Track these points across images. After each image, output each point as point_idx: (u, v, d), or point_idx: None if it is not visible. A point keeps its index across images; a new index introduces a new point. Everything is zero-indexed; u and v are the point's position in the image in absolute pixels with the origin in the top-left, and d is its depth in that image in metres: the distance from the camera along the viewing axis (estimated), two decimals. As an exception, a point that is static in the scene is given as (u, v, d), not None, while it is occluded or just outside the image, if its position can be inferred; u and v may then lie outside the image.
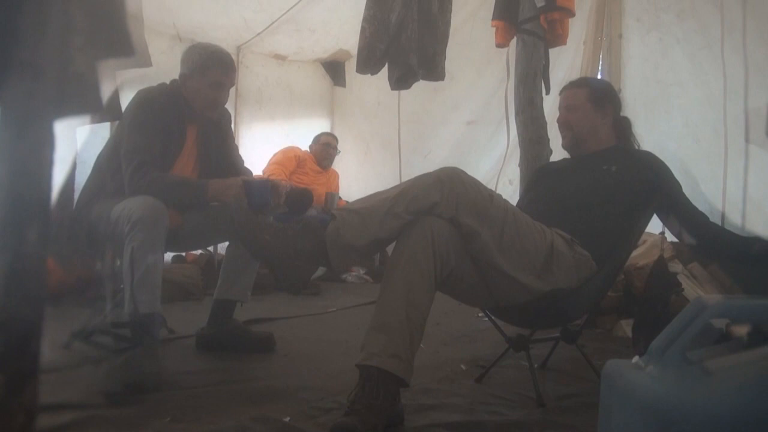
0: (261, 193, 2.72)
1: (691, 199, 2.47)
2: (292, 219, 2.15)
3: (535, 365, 2.44)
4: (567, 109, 2.67)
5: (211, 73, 2.87)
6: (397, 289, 1.96)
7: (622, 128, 2.68)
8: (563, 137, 2.70)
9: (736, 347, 1.34)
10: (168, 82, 2.93)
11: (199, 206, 2.82)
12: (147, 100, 2.80)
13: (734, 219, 4.27)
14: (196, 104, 2.89)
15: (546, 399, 2.22)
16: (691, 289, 3.39)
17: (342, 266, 2.11)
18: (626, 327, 3.41)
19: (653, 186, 2.41)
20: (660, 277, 3.24)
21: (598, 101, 2.63)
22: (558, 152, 3.73)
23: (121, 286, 2.59)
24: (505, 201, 2.16)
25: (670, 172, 2.49)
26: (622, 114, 2.72)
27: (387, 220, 2.01)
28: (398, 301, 1.94)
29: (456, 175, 2.04)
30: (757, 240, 2.35)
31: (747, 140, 4.23)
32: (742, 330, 1.40)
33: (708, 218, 2.43)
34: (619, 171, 2.46)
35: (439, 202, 1.99)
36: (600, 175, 2.48)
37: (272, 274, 4.84)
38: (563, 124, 2.67)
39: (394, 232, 2.03)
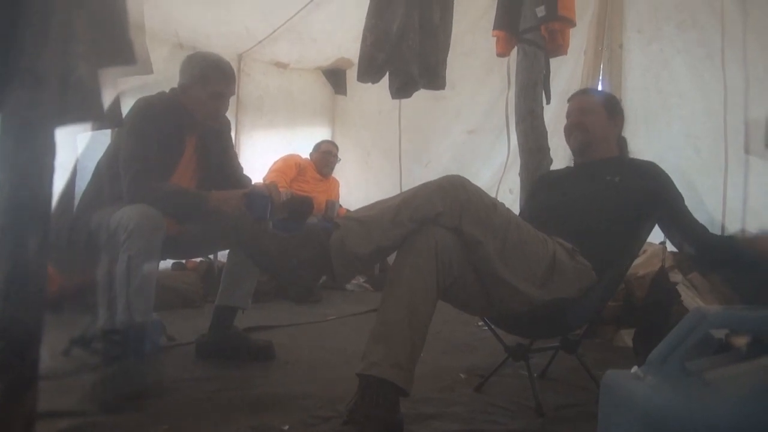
0: (261, 204, 2.74)
1: (691, 210, 2.46)
2: (293, 226, 2.16)
3: (535, 375, 2.44)
4: (581, 111, 2.66)
5: (212, 83, 2.87)
6: (399, 299, 1.95)
7: (620, 146, 2.71)
8: (573, 139, 2.67)
9: (735, 358, 1.34)
10: (167, 90, 2.94)
11: (199, 217, 2.83)
12: (146, 108, 2.80)
13: (734, 229, 4.26)
14: (196, 114, 2.90)
15: (545, 408, 2.22)
16: (690, 299, 3.39)
17: (345, 275, 2.09)
18: (626, 337, 3.41)
19: (656, 196, 2.41)
20: (661, 287, 3.25)
21: (611, 110, 2.67)
22: (558, 161, 3.74)
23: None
24: (508, 210, 2.15)
25: (673, 182, 2.49)
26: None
27: (391, 228, 2.00)
28: (400, 310, 1.94)
29: (460, 183, 2.04)
30: (753, 240, 2.34)
31: (747, 151, 4.23)
32: (741, 340, 1.41)
33: (707, 230, 2.43)
34: (622, 181, 2.46)
35: (443, 212, 1.99)
36: (603, 185, 2.48)
37: (277, 283, 4.86)
38: (576, 125, 2.65)
39: (397, 240, 2.02)
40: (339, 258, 2.00)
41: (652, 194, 2.41)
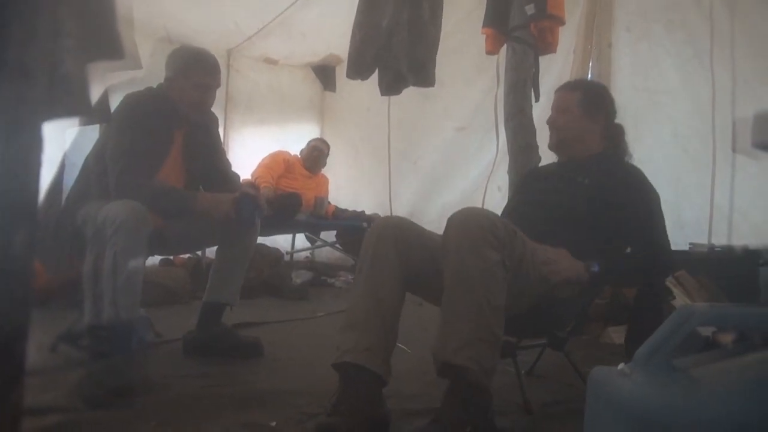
0: (251, 208, 2.80)
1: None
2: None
3: (522, 372, 2.44)
4: (557, 110, 2.61)
5: (195, 75, 2.88)
6: (365, 288, 2.02)
7: (613, 135, 2.61)
8: (550, 137, 2.65)
9: (721, 355, 1.35)
10: (155, 86, 2.93)
11: (187, 216, 2.83)
12: (134, 104, 2.80)
13: (721, 228, 4.28)
14: (183, 106, 2.89)
15: (533, 405, 2.23)
16: (678, 297, 3.41)
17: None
18: (613, 334, 3.42)
19: (619, 206, 2.33)
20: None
21: (589, 107, 2.56)
22: (546, 159, 3.74)
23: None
24: (523, 237, 2.09)
25: (648, 195, 2.39)
26: (616, 121, 2.67)
27: (495, 317, 1.92)
28: (366, 298, 2.00)
29: (483, 216, 1.98)
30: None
31: (734, 150, 4.26)
32: (728, 337, 1.41)
33: (648, 253, 2.33)
34: (590, 185, 2.40)
35: (502, 256, 1.92)
36: (572, 188, 2.43)
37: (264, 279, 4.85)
38: (551, 124, 2.62)
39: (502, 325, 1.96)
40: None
41: (617, 204, 2.33)
